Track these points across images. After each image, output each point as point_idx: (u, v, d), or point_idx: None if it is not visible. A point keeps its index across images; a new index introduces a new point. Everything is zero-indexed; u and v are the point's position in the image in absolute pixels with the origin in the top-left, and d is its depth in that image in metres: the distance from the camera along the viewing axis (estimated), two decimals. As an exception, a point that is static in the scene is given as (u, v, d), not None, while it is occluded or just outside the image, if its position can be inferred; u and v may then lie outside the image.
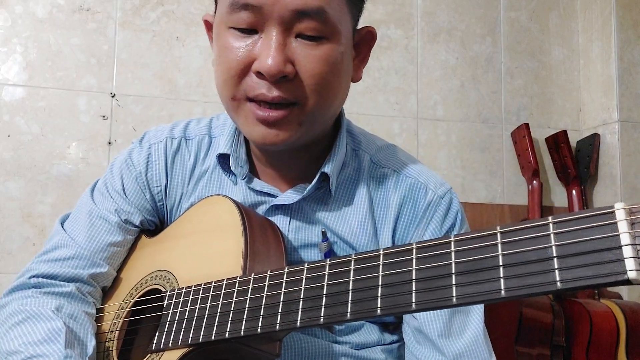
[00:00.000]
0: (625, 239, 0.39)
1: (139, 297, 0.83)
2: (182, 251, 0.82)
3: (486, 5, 1.92)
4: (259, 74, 0.71)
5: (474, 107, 1.87)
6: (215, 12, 0.80)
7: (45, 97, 1.52)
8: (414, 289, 0.50)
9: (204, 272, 0.75)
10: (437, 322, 0.79)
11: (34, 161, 1.50)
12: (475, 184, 1.84)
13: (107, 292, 0.89)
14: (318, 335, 0.83)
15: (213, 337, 0.66)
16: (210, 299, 0.70)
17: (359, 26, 0.83)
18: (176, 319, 0.73)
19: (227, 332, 0.65)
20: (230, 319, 0.66)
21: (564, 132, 1.83)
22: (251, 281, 0.66)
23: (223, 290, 0.69)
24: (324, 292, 0.57)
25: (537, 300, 1.59)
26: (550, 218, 0.44)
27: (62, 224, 0.90)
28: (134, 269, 0.88)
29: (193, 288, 0.74)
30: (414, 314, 0.80)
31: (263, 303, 0.63)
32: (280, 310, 0.61)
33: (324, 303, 0.56)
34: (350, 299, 0.54)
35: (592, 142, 1.85)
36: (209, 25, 0.84)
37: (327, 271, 0.58)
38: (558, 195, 1.90)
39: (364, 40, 0.83)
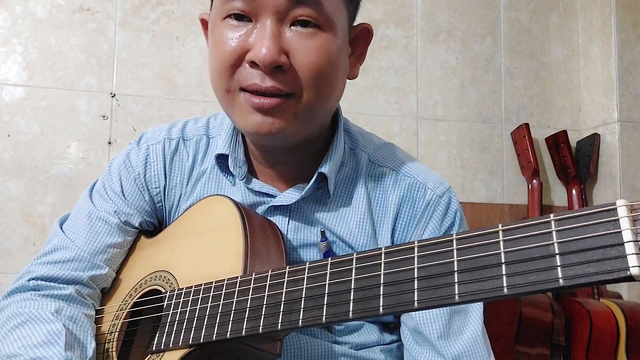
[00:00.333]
0: (627, 235, 0.39)
1: (139, 298, 0.83)
2: (182, 252, 0.82)
3: (486, 5, 1.92)
4: (253, 64, 0.70)
5: (474, 107, 1.87)
6: (210, 9, 0.79)
7: (45, 97, 1.52)
8: (416, 287, 0.50)
9: (204, 272, 0.75)
10: (436, 323, 0.78)
11: (34, 161, 1.50)
12: (475, 183, 1.84)
13: (106, 293, 0.89)
14: (317, 335, 0.83)
15: (214, 337, 0.66)
16: (211, 299, 0.70)
17: (356, 23, 0.82)
18: (176, 319, 0.73)
19: (229, 332, 0.65)
20: (231, 319, 0.65)
21: (564, 132, 1.83)
22: (252, 281, 0.66)
23: (224, 290, 0.69)
24: (326, 292, 0.57)
25: (537, 300, 1.59)
26: (552, 216, 0.44)
27: (61, 225, 0.89)
28: (133, 270, 0.88)
29: (193, 288, 0.73)
30: (412, 314, 0.79)
31: (264, 303, 0.63)
32: (282, 310, 0.60)
33: (325, 302, 0.56)
34: (352, 298, 0.54)
35: (592, 142, 1.85)
36: (205, 24, 0.83)
37: (328, 270, 0.58)
38: (558, 195, 1.90)
39: (360, 37, 0.83)
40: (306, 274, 0.60)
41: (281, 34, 0.71)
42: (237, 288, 0.67)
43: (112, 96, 1.57)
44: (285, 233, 0.82)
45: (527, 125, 1.81)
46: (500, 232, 0.46)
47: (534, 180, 1.81)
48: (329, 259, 0.59)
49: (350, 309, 0.54)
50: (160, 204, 0.90)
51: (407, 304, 0.50)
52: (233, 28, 0.73)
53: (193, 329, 0.70)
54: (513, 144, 1.88)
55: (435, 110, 1.83)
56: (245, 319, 0.64)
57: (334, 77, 0.75)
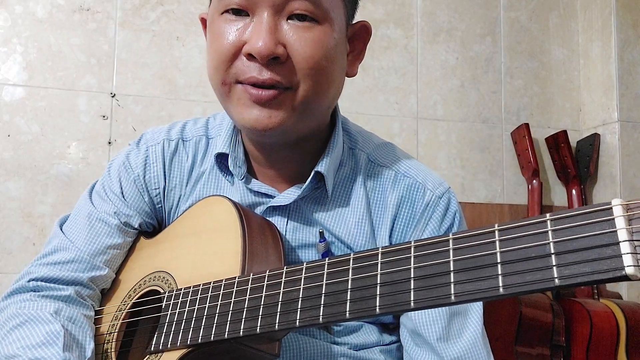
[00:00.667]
0: (622, 234, 0.39)
1: (138, 299, 0.83)
2: (181, 252, 0.82)
3: (486, 5, 1.92)
4: (250, 57, 0.71)
5: (474, 107, 1.87)
6: (209, 6, 0.80)
7: (45, 97, 1.52)
8: (412, 287, 0.50)
9: (203, 272, 0.75)
10: (435, 325, 0.78)
11: (34, 161, 1.50)
12: (475, 183, 1.84)
13: (105, 294, 0.89)
14: (316, 336, 0.83)
15: (212, 338, 0.66)
16: (209, 300, 0.70)
17: (354, 21, 0.82)
18: (175, 319, 0.73)
19: (227, 333, 0.65)
20: (229, 319, 0.65)
21: (564, 132, 1.83)
22: (250, 281, 0.66)
23: (222, 291, 0.69)
24: (323, 292, 0.57)
25: (537, 300, 1.59)
26: (547, 215, 0.44)
27: (60, 226, 0.89)
28: (132, 271, 0.88)
29: (192, 289, 0.73)
30: (411, 317, 0.79)
31: (262, 303, 0.63)
32: (279, 310, 0.60)
33: (323, 302, 0.56)
34: (349, 298, 0.54)
35: (592, 142, 1.85)
36: (205, 23, 0.84)
37: (325, 270, 0.58)
38: (558, 195, 1.90)
39: (359, 35, 0.83)
40: (303, 274, 0.60)
41: (278, 26, 0.71)
42: (235, 288, 0.67)
43: (112, 96, 1.57)
44: (284, 233, 0.82)
45: (527, 125, 1.81)
46: (497, 232, 0.47)
47: (534, 180, 1.81)
48: (326, 259, 0.59)
49: (347, 309, 0.54)
50: (159, 205, 0.90)
51: (403, 304, 0.50)
52: (230, 22, 0.73)
53: (191, 329, 0.70)
54: (513, 144, 1.88)
55: (435, 110, 1.83)
56: (243, 319, 0.64)
57: (331, 71, 0.75)
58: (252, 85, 0.72)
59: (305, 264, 0.61)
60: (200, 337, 0.68)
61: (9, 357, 0.73)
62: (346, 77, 0.84)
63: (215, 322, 0.67)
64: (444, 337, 0.78)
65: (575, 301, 1.62)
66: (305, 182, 0.81)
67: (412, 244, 0.52)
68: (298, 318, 0.58)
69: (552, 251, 0.42)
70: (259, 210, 0.84)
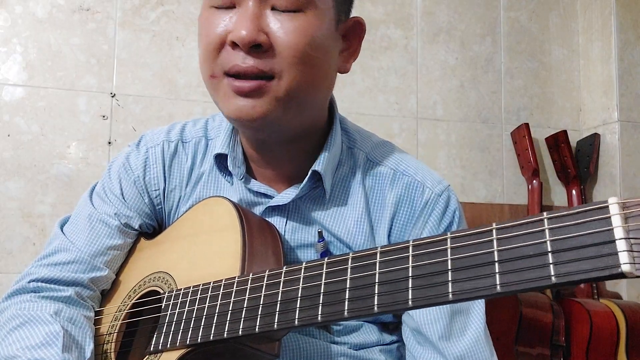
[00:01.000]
0: (619, 232, 0.39)
1: (137, 299, 0.83)
2: (181, 253, 0.82)
3: (486, 5, 1.92)
4: (234, 44, 0.71)
5: (473, 107, 1.87)
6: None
7: (45, 97, 1.52)
8: (410, 286, 0.50)
9: (202, 273, 0.75)
10: (438, 323, 0.78)
11: (34, 161, 1.50)
12: (475, 183, 1.84)
13: (106, 295, 0.89)
14: (316, 335, 0.83)
15: (211, 337, 0.66)
16: (208, 300, 0.70)
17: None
18: (174, 320, 0.73)
19: (226, 332, 0.65)
20: (228, 319, 0.65)
21: (564, 132, 1.83)
22: (249, 281, 0.66)
23: (221, 291, 0.69)
24: (322, 291, 0.57)
25: (537, 300, 1.59)
26: (545, 214, 0.44)
27: (61, 227, 0.89)
28: (132, 272, 0.88)
29: (191, 289, 0.73)
30: (413, 315, 0.79)
31: (261, 303, 0.63)
32: (278, 310, 0.61)
33: (321, 301, 0.56)
34: (347, 297, 0.54)
35: (592, 142, 1.85)
36: None
37: (324, 270, 0.58)
38: (558, 195, 1.90)
39: (353, 32, 0.82)
40: (302, 274, 0.60)
41: (261, 15, 0.72)
42: (235, 288, 0.67)
43: (112, 96, 1.57)
44: (283, 234, 0.82)
45: (527, 125, 1.81)
46: (494, 231, 0.47)
47: (534, 180, 1.81)
48: (325, 258, 0.59)
49: (346, 308, 0.54)
50: (159, 206, 0.90)
51: (401, 303, 0.50)
52: (217, 14, 0.75)
53: (190, 329, 0.70)
54: (513, 144, 1.88)
55: (435, 111, 1.83)
56: (242, 319, 0.64)
57: (316, 62, 0.74)
58: (237, 75, 0.72)
59: (304, 263, 0.61)
60: (199, 337, 0.68)
61: (9, 358, 0.73)
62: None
63: (214, 321, 0.67)
64: (446, 336, 0.78)
65: (575, 301, 1.62)
66: (303, 182, 0.81)
67: (410, 243, 0.52)
68: (297, 317, 0.58)
69: (549, 249, 0.43)
70: (258, 210, 0.84)
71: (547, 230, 0.43)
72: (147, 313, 0.81)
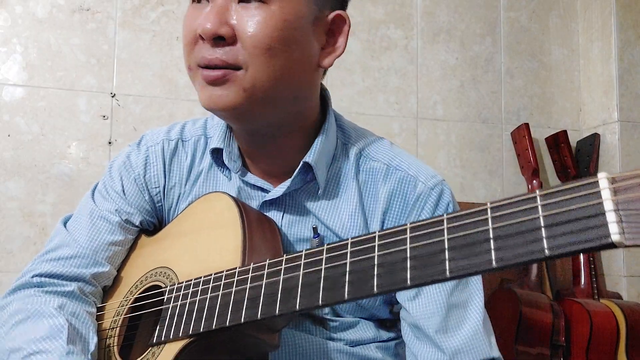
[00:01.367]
0: (608, 205, 0.40)
1: (139, 294, 0.84)
2: (182, 248, 0.83)
3: (486, 5, 1.93)
4: (200, 37, 0.74)
5: (473, 107, 1.87)
6: None
7: (45, 97, 1.52)
8: (408, 266, 0.51)
9: (204, 267, 0.75)
10: (434, 317, 0.78)
11: (34, 161, 1.50)
12: (475, 183, 1.84)
13: (107, 291, 0.90)
14: (312, 332, 0.83)
15: (214, 326, 0.67)
16: (210, 290, 0.70)
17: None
18: (177, 312, 0.74)
19: (228, 321, 0.65)
20: (230, 308, 0.66)
21: (564, 132, 1.83)
22: (250, 270, 0.67)
23: (223, 281, 0.70)
24: (322, 276, 0.58)
25: (537, 300, 1.59)
26: (537, 191, 0.45)
27: (64, 224, 0.90)
28: (134, 268, 0.89)
29: (193, 281, 0.74)
30: (411, 310, 0.80)
31: (262, 291, 0.64)
32: (279, 297, 0.61)
33: (322, 286, 0.57)
34: (347, 280, 0.55)
35: (592, 142, 1.85)
36: None
37: (324, 255, 0.59)
38: (558, 195, 1.90)
39: (336, 26, 0.82)
40: (303, 261, 0.61)
41: (228, 9, 0.73)
42: (236, 278, 0.68)
43: (112, 96, 1.57)
44: (280, 227, 0.83)
45: (527, 125, 1.81)
46: (489, 210, 0.48)
47: (534, 180, 1.81)
48: (325, 245, 0.60)
49: (346, 291, 0.55)
50: (160, 204, 0.91)
51: (400, 282, 0.52)
52: (195, 10, 0.77)
53: (193, 319, 0.70)
54: (513, 144, 1.88)
55: (435, 110, 1.83)
56: (244, 307, 0.65)
57: (283, 55, 0.75)
58: (205, 66, 0.75)
59: (304, 251, 0.62)
60: (202, 327, 0.69)
61: (14, 351, 0.74)
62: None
63: (216, 311, 0.68)
64: (442, 329, 0.78)
65: (575, 301, 1.62)
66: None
67: (408, 225, 0.53)
68: (298, 303, 0.59)
69: (542, 224, 0.44)
70: (255, 204, 0.85)
71: (539, 206, 0.44)
72: (149, 307, 0.82)
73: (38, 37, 1.54)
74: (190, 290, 0.74)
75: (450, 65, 1.87)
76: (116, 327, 0.83)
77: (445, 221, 0.50)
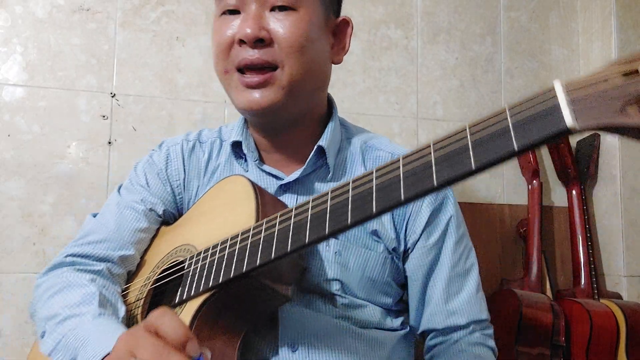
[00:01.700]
0: (562, 101, 0.49)
1: (162, 272, 0.90)
2: (201, 226, 0.90)
3: (486, 5, 1.92)
4: (241, 42, 0.86)
5: (473, 107, 1.87)
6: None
7: (45, 97, 1.52)
8: (402, 185, 0.58)
9: (221, 235, 0.81)
10: (438, 287, 0.95)
11: (34, 161, 1.50)
12: (475, 184, 1.84)
13: (130, 276, 0.98)
14: (322, 310, 0.89)
15: (232, 274, 0.72)
16: (227, 248, 0.77)
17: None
18: (197, 272, 0.79)
19: (245, 266, 0.71)
20: (247, 254, 0.72)
21: (564, 132, 1.83)
22: (264, 223, 0.74)
23: (239, 237, 0.76)
24: (328, 209, 0.65)
25: (537, 300, 1.59)
26: (506, 106, 0.55)
27: (93, 217, 1.01)
28: (156, 253, 0.97)
29: (211, 246, 0.80)
30: (416, 282, 0.96)
31: (275, 234, 0.70)
32: (290, 235, 0.68)
33: (328, 218, 0.64)
34: (350, 209, 0.62)
35: (592, 142, 1.85)
36: None
37: (329, 195, 0.66)
38: (558, 195, 1.90)
39: (341, 28, 0.98)
40: (310, 204, 0.68)
41: (262, 16, 0.86)
42: (251, 232, 0.74)
43: (112, 96, 1.57)
44: None
45: (527, 125, 1.81)
46: (467, 129, 0.57)
47: (534, 181, 1.81)
48: (330, 189, 0.67)
49: (349, 216, 0.62)
50: (180, 196, 1.02)
51: (395, 199, 0.59)
52: (226, 21, 0.89)
53: (212, 274, 0.76)
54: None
55: (435, 111, 1.83)
56: (259, 251, 0.71)
57: (311, 51, 0.88)
58: (245, 67, 0.86)
59: (311, 197, 0.69)
60: (221, 278, 0.74)
61: (50, 317, 0.82)
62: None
63: (234, 261, 0.73)
64: (443, 296, 0.95)
65: (576, 301, 1.62)
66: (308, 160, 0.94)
67: (400, 158, 0.61)
68: (307, 236, 0.65)
69: (511, 128, 0.53)
70: (270, 191, 0.93)
71: (508, 116, 0.54)
72: (172, 281, 0.88)
73: (38, 37, 1.54)
74: (209, 252, 0.80)
75: (450, 65, 1.87)
76: (141, 299, 0.89)
77: (432, 146, 0.60)
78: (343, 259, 0.90)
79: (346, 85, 1.73)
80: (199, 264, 0.80)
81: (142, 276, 0.95)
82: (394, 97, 1.79)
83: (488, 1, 1.93)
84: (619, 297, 1.76)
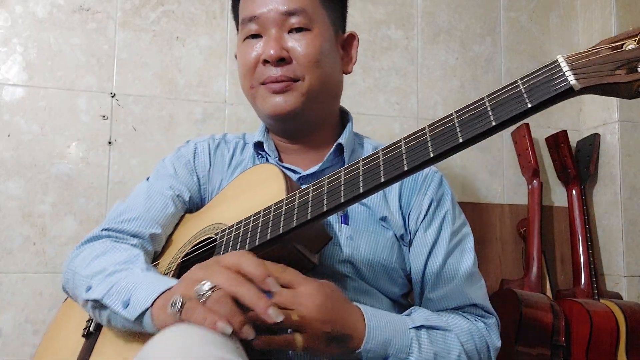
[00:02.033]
0: (565, 67, 0.63)
1: (193, 247, 0.94)
2: (229, 207, 0.95)
3: (486, 5, 1.92)
4: (265, 62, 0.99)
5: (474, 107, 1.87)
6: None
7: (45, 97, 1.52)
8: (430, 144, 0.68)
9: (251, 213, 0.85)
10: (431, 276, 1.00)
11: (34, 161, 1.50)
12: (475, 183, 1.84)
13: (157, 255, 1.03)
14: None
15: (269, 236, 0.77)
16: (262, 217, 0.82)
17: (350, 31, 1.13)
18: (231, 239, 0.84)
19: (281, 227, 0.77)
20: (282, 219, 0.78)
21: (564, 132, 1.83)
22: (296, 193, 0.79)
23: (272, 207, 0.81)
24: (361, 171, 0.73)
25: (537, 301, 1.59)
26: (518, 80, 0.67)
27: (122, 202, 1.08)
28: (183, 232, 1.03)
29: (243, 219, 0.85)
30: (416, 275, 1.02)
31: (310, 198, 0.77)
32: (325, 196, 0.74)
33: (361, 178, 0.72)
34: (382, 169, 0.71)
35: (592, 142, 1.85)
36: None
37: (361, 162, 0.75)
38: (558, 195, 1.90)
39: (348, 42, 1.12)
40: (343, 171, 0.76)
41: (282, 38, 0.99)
42: (285, 201, 0.80)
43: (112, 96, 1.57)
44: None
45: (527, 125, 1.81)
46: (486, 99, 0.68)
47: (534, 181, 1.81)
48: (360, 159, 0.76)
49: (382, 175, 0.70)
50: (204, 186, 1.09)
51: (424, 156, 0.68)
52: (250, 44, 1.02)
53: (248, 239, 0.80)
54: (513, 144, 1.88)
55: (436, 111, 1.83)
56: (295, 214, 0.76)
57: (325, 64, 1.01)
58: (270, 82, 0.98)
59: (342, 168, 0.77)
60: (257, 241, 0.79)
61: (97, 273, 0.86)
62: (347, 78, 1.12)
63: (270, 225, 0.79)
64: (436, 282, 1.01)
65: (576, 301, 1.62)
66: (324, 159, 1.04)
67: (427, 127, 0.71)
68: (343, 196, 0.73)
69: (524, 91, 0.65)
70: None
71: (520, 86, 0.66)
72: (202, 254, 0.92)
73: (38, 37, 1.54)
74: (242, 223, 0.85)
75: (451, 65, 1.87)
76: (169, 272, 0.93)
77: (454, 114, 0.69)
78: (354, 243, 0.97)
79: (346, 86, 1.72)
80: (232, 234, 0.85)
81: (168, 255, 0.99)
82: (394, 97, 1.79)
83: (488, 1, 1.93)
84: (619, 297, 1.76)
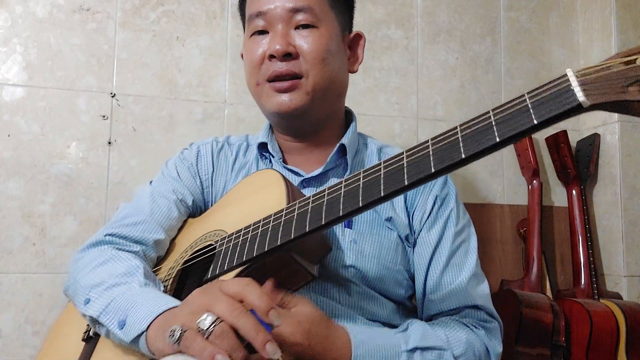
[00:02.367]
0: (574, 83, 0.59)
1: (193, 253, 0.93)
2: (231, 213, 0.94)
3: (486, 5, 1.92)
4: (271, 57, 0.98)
5: (474, 108, 1.87)
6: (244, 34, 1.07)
7: (45, 97, 1.52)
8: (432, 159, 0.66)
9: (252, 220, 0.85)
10: (434, 277, 0.99)
11: (34, 161, 1.50)
12: (476, 184, 1.84)
13: (160, 260, 1.03)
14: (336, 298, 0.94)
15: (266, 247, 0.76)
16: (261, 227, 0.81)
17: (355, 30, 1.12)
18: (230, 248, 0.83)
19: (279, 239, 0.75)
20: (281, 229, 0.77)
21: (564, 132, 1.83)
22: (296, 203, 0.78)
23: (272, 217, 0.80)
24: (361, 184, 0.71)
25: (537, 301, 1.59)
26: (526, 94, 0.63)
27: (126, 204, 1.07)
28: (185, 237, 1.02)
29: (243, 228, 0.84)
30: (419, 275, 1.01)
31: (309, 210, 0.75)
32: (324, 209, 0.73)
33: (361, 190, 0.70)
34: (382, 182, 0.69)
35: (592, 142, 1.85)
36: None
37: (361, 174, 0.73)
38: (558, 195, 1.90)
39: (355, 42, 1.12)
40: (344, 183, 0.75)
41: (288, 34, 0.99)
42: (284, 211, 0.79)
43: (112, 96, 1.57)
44: None
45: (527, 125, 1.81)
46: (491, 113, 0.64)
47: (534, 181, 1.81)
48: (361, 170, 0.74)
49: (382, 188, 0.68)
50: (207, 190, 1.09)
51: (426, 171, 0.66)
52: (257, 40, 1.02)
53: (246, 249, 0.79)
54: (513, 144, 1.87)
55: (436, 111, 1.83)
56: (293, 225, 0.75)
57: (331, 63, 1.01)
58: (275, 78, 0.98)
59: (343, 179, 0.75)
60: (255, 251, 0.77)
61: (95, 285, 0.85)
62: (350, 74, 1.11)
63: (268, 236, 0.77)
64: (437, 285, 1.00)
65: (576, 301, 1.62)
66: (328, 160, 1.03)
67: (429, 140, 0.68)
68: (341, 208, 0.71)
69: (530, 107, 0.61)
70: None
71: (527, 100, 0.62)
72: (202, 262, 0.91)
73: (38, 37, 1.54)
74: (242, 232, 0.84)
75: (451, 65, 1.87)
76: (169, 279, 0.93)
77: (458, 128, 0.66)
78: (359, 247, 0.96)
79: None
80: (232, 243, 0.83)
81: (170, 260, 0.99)
82: (394, 97, 1.79)
83: (488, 1, 1.93)
84: (619, 297, 1.76)
